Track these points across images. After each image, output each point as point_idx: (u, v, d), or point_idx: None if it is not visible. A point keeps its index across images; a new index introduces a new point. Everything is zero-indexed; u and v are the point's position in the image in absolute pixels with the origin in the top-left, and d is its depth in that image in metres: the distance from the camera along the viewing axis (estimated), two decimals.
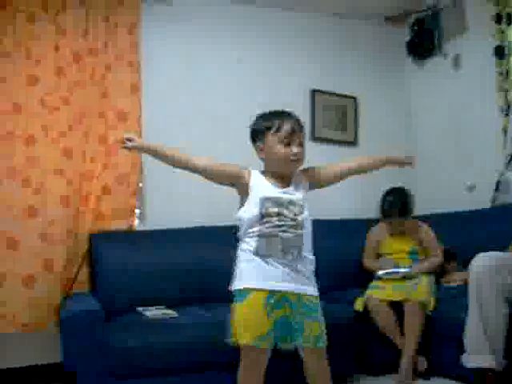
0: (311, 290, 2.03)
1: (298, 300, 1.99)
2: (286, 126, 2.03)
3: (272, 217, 1.99)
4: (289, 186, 2.08)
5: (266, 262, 1.98)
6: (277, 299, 1.96)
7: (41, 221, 2.95)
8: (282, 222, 1.99)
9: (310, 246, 2.07)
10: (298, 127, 2.06)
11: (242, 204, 2.07)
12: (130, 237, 3.21)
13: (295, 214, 2.02)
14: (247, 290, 1.98)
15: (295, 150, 2.02)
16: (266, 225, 1.99)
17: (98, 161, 3.15)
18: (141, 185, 3.37)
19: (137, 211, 3.32)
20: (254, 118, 2.15)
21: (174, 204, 3.44)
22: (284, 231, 2.00)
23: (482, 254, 2.33)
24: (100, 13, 3.21)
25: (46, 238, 2.94)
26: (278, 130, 2.03)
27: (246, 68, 3.80)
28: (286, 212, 2.01)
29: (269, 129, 2.04)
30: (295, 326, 1.98)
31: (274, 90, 3.80)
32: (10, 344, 3.01)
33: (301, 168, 2.14)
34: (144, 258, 3.04)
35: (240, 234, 2.07)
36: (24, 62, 3.03)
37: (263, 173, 2.10)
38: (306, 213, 2.06)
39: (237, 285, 2.03)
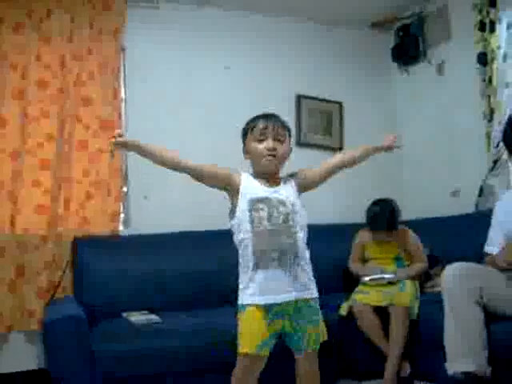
0: (310, 293, 2.04)
1: (298, 308, 1.99)
2: (260, 124, 2.06)
3: (263, 220, 1.99)
4: (277, 186, 2.09)
5: (264, 275, 1.97)
6: (276, 311, 1.97)
7: (18, 230, 2.96)
8: (274, 227, 1.99)
9: (305, 248, 2.08)
10: (272, 124, 2.07)
11: (233, 210, 2.06)
12: (114, 242, 3.20)
13: (286, 215, 2.02)
14: (247, 305, 1.98)
15: (269, 144, 2.04)
16: (259, 229, 1.99)
17: (79, 167, 3.15)
18: (125, 189, 3.36)
19: (121, 216, 3.31)
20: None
21: (159, 209, 3.43)
22: (278, 239, 1.99)
23: (451, 265, 2.40)
24: (84, 19, 3.22)
25: (20, 246, 2.95)
26: (253, 129, 2.08)
27: (233, 74, 3.81)
28: (275, 214, 2.01)
29: (247, 132, 2.10)
30: (296, 335, 2.00)
31: (260, 96, 3.81)
32: None
33: (290, 172, 2.17)
34: (128, 263, 3.04)
35: (235, 242, 2.06)
36: (9, 75, 3.03)
37: (252, 175, 2.11)
38: (298, 213, 2.07)
39: (239, 299, 2.02)
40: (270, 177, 2.09)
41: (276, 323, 1.97)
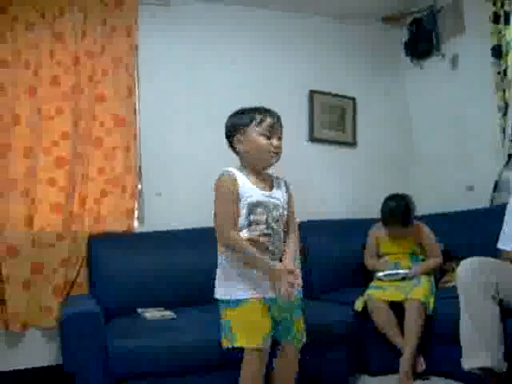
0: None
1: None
2: (268, 120, 2.09)
3: (259, 224, 2.03)
4: (271, 189, 2.13)
5: (254, 273, 2.03)
6: (268, 302, 2.04)
7: (34, 229, 2.98)
8: (270, 231, 2.05)
9: None
10: (278, 123, 2.11)
11: None
12: (129, 239, 3.22)
13: (277, 220, 2.08)
14: (240, 300, 2.02)
15: (275, 142, 2.07)
16: (255, 233, 2.02)
17: (94, 164, 3.16)
18: (139, 187, 3.38)
19: (135, 213, 3.32)
20: (228, 116, 2.20)
21: (172, 206, 3.44)
22: (273, 242, 2.07)
23: (466, 260, 2.39)
24: (97, 16, 3.23)
25: (36, 245, 2.97)
26: (260, 122, 2.08)
27: (245, 69, 3.80)
28: (270, 219, 2.06)
29: (251, 121, 2.09)
30: (286, 325, 2.10)
31: (272, 91, 3.79)
32: (9, 347, 3.01)
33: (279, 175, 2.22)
34: (143, 260, 3.05)
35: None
36: (22, 71, 3.04)
37: (242, 170, 2.12)
38: (284, 217, 2.14)
39: (226, 293, 2.05)
40: (260, 172, 2.12)
41: (271, 313, 2.06)
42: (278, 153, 2.09)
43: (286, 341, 2.13)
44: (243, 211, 2.04)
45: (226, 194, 2.04)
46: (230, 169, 2.10)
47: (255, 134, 2.07)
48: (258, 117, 2.09)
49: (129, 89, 3.29)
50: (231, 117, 2.19)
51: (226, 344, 2.07)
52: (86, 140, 3.15)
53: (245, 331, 2.02)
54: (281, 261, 2.08)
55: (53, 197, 3.05)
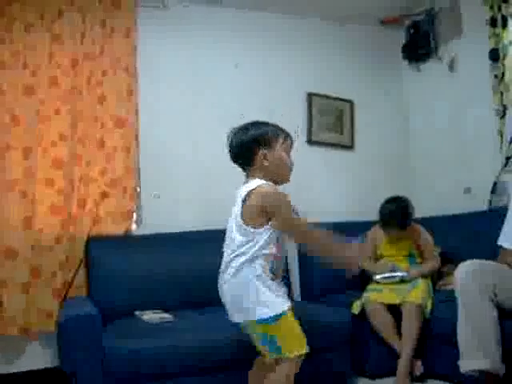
0: None
1: None
2: (289, 139, 2.14)
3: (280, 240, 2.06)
4: None
5: (277, 283, 2.05)
6: None
7: (32, 230, 2.97)
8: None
9: None
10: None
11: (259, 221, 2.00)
12: (127, 241, 3.22)
13: None
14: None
15: (292, 161, 2.15)
16: (280, 247, 2.06)
17: (94, 165, 3.16)
18: (138, 189, 3.38)
19: (134, 215, 3.32)
20: (237, 130, 2.15)
21: (170, 208, 3.44)
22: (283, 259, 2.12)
23: (464, 262, 2.40)
24: (96, 18, 3.23)
25: (35, 247, 2.96)
26: (285, 139, 2.11)
27: (244, 72, 3.81)
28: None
29: (278, 137, 2.09)
30: None
31: (271, 94, 3.81)
32: (7, 350, 3.01)
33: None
34: (141, 263, 3.05)
35: (251, 252, 2.00)
36: (21, 72, 3.04)
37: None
38: None
39: (272, 311, 1.97)
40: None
41: None
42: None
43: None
44: None
45: (289, 201, 2.03)
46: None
47: (282, 150, 2.09)
48: (283, 133, 2.12)
49: (129, 90, 3.29)
50: (246, 130, 2.11)
51: (275, 357, 2.00)
52: (86, 141, 3.15)
53: (296, 339, 2.01)
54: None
55: (51, 198, 3.04)
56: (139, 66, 3.39)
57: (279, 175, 2.09)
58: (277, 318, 1.95)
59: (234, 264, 2.01)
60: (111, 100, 3.24)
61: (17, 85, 3.02)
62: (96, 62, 3.21)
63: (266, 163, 2.06)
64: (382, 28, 4.27)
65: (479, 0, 3.47)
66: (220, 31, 3.75)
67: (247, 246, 1.99)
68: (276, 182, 2.07)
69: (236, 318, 2.06)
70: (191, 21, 3.66)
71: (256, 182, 2.01)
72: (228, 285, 2.04)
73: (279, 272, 2.08)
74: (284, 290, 2.07)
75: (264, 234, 1.98)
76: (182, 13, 3.63)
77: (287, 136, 2.13)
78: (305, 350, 2.01)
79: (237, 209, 2.04)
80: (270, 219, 1.98)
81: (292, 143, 2.15)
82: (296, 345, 1.99)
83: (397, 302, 2.85)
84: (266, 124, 2.13)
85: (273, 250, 2.01)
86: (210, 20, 3.72)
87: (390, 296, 2.89)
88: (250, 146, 2.08)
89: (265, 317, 1.94)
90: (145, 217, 3.42)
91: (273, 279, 2.01)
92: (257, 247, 1.98)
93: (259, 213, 1.98)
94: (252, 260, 1.98)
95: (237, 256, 2.01)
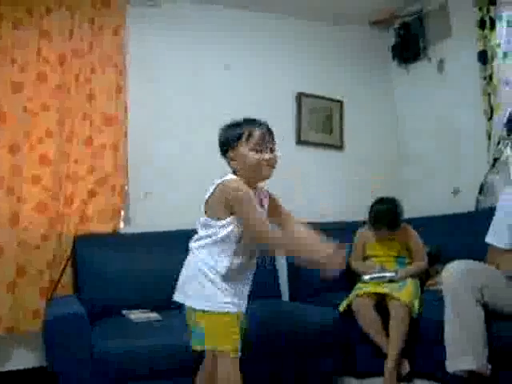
0: None
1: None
2: (257, 133, 2.02)
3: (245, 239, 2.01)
4: (261, 204, 2.11)
5: (234, 286, 2.02)
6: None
7: (19, 228, 2.94)
8: (253, 248, 2.05)
9: None
10: (268, 134, 2.06)
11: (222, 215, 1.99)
12: (115, 240, 3.20)
13: None
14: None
15: (267, 156, 2.02)
16: (242, 249, 2.01)
17: (82, 163, 3.14)
18: (126, 188, 3.36)
19: (122, 213, 3.30)
20: (219, 131, 2.13)
21: (159, 207, 3.43)
22: (251, 260, 2.07)
23: (452, 262, 2.41)
24: (85, 15, 3.21)
25: (21, 245, 2.94)
26: (248, 137, 2.02)
27: (234, 71, 3.81)
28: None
29: (240, 137, 2.03)
30: None
31: (260, 94, 3.81)
32: None
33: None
34: (129, 261, 3.03)
35: (205, 244, 2.04)
36: (9, 69, 3.01)
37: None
38: None
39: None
40: (254, 186, 2.08)
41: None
42: (271, 165, 2.04)
43: None
44: (237, 225, 1.99)
45: (252, 198, 1.98)
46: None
47: (245, 150, 2.01)
48: (247, 131, 2.03)
49: (118, 87, 3.27)
50: (222, 131, 2.12)
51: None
52: (74, 139, 3.13)
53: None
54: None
55: (38, 196, 3.02)
56: (129, 64, 3.37)
57: (251, 173, 2.03)
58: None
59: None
60: (100, 97, 3.21)
61: (5, 81, 3.00)
62: (85, 60, 3.19)
63: (234, 164, 2.06)
64: (371, 29, 4.28)
65: (468, 2, 3.49)
66: (211, 31, 3.75)
67: (207, 239, 2.02)
68: (255, 181, 2.06)
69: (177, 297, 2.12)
70: (182, 20, 3.66)
71: (226, 177, 2.02)
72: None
73: (240, 275, 2.04)
74: (237, 297, 2.02)
75: (224, 228, 1.98)
76: (172, 11, 3.62)
77: (252, 132, 2.02)
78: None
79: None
80: (232, 214, 1.98)
81: (264, 133, 2.03)
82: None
83: (384, 291, 2.85)
84: (231, 125, 2.10)
85: (233, 247, 1.99)
86: (201, 19, 3.72)
87: (377, 288, 2.89)
88: (222, 150, 2.10)
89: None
90: (133, 216, 3.40)
91: (225, 279, 1.99)
92: (214, 238, 1.99)
93: (221, 206, 1.97)
94: (207, 249, 2.02)
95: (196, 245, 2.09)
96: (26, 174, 3.00)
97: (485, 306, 2.29)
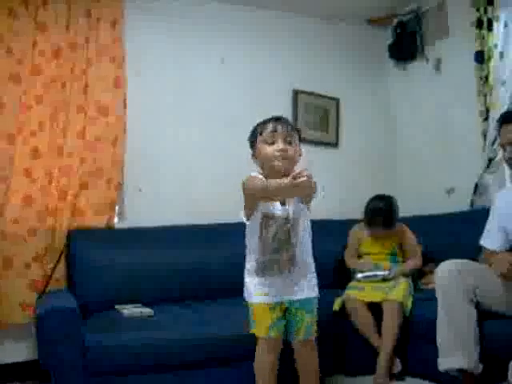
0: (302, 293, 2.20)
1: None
2: (269, 127, 2.10)
3: (269, 237, 2.09)
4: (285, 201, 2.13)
5: (264, 280, 2.12)
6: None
7: (4, 219, 2.92)
8: (276, 245, 2.10)
9: (304, 256, 2.19)
10: (281, 126, 2.10)
11: (249, 212, 2.13)
12: (109, 234, 3.19)
13: (288, 232, 2.10)
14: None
15: (279, 146, 2.06)
16: (266, 243, 2.10)
17: (76, 155, 3.11)
18: (121, 182, 3.34)
19: (116, 208, 3.29)
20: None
21: (152, 202, 3.42)
22: (281, 255, 2.11)
23: (445, 261, 2.42)
24: (82, 7, 3.19)
25: (6, 237, 2.92)
26: (262, 132, 2.11)
27: (230, 68, 3.79)
28: (280, 232, 2.09)
29: (255, 135, 2.13)
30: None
31: (256, 90, 3.81)
32: None
33: None
34: (122, 256, 3.03)
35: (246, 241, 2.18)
36: (6, 60, 2.99)
37: None
38: (300, 226, 2.14)
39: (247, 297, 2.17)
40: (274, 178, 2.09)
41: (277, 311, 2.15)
42: (285, 156, 2.07)
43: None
44: (258, 220, 2.09)
45: (257, 176, 2.06)
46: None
47: (260, 145, 2.11)
48: (260, 127, 2.13)
49: (116, 81, 3.25)
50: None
51: None
52: (68, 132, 3.11)
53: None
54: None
55: (27, 189, 2.99)
56: (127, 57, 3.35)
57: (267, 166, 2.11)
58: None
59: None
60: (96, 90, 3.19)
61: (3, 72, 2.98)
62: (81, 52, 3.17)
63: (255, 162, 2.16)
64: (368, 27, 4.28)
65: (466, 2, 3.49)
66: (207, 25, 3.73)
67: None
68: (273, 173, 2.08)
69: None
70: (179, 14, 3.63)
71: None
72: None
73: (269, 273, 2.12)
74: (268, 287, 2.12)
75: (249, 225, 2.13)
76: (169, 5, 3.60)
77: (264, 126, 2.12)
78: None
79: None
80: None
81: (272, 129, 2.09)
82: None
83: (378, 300, 2.85)
84: (259, 122, 2.17)
85: (255, 242, 2.11)
86: (197, 14, 3.70)
87: (371, 294, 2.89)
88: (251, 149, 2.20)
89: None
90: (127, 210, 3.39)
91: (257, 273, 2.11)
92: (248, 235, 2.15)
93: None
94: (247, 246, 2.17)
95: None
96: (17, 166, 2.98)
97: (477, 305, 2.30)
